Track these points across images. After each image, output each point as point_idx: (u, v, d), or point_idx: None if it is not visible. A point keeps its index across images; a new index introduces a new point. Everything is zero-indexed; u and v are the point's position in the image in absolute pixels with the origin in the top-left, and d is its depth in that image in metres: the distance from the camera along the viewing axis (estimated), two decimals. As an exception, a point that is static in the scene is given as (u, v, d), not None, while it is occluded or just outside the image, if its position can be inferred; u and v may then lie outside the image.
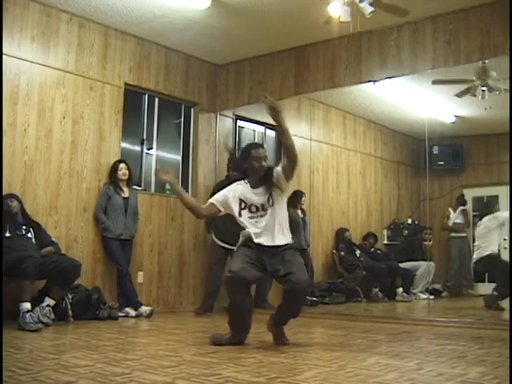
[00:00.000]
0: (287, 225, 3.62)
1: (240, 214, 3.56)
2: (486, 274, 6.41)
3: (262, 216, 3.53)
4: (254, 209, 3.56)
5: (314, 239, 6.90)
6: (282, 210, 3.58)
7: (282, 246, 3.50)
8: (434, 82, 5.69)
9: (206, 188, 6.41)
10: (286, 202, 3.64)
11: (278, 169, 3.54)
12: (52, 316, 4.29)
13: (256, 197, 3.56)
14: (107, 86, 5.62)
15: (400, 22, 5.29)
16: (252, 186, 3.58)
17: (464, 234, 6.92)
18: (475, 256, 5.94)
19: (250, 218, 3.54)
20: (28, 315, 4.04)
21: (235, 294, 3.41)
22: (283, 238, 3.54)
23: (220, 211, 3.62)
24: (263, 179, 3.56)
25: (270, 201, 3.54)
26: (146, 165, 6.10)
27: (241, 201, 3.57)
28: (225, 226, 5.63)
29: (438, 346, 3.60)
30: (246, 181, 3.62)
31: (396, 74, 5.44)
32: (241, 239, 3.60)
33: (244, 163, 3.59)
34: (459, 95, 5.96)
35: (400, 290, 6.91)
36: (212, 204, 3.61)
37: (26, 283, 4.17)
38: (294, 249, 3.56)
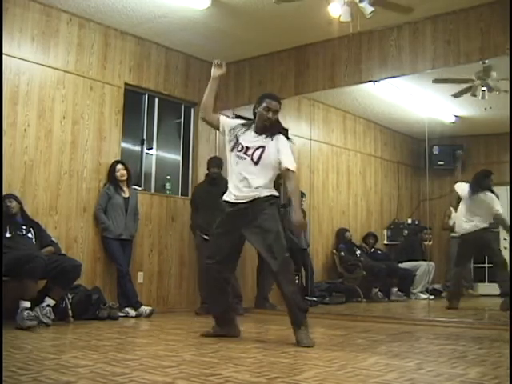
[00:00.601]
0: (268, 185, 3.67)
1: (232, 150, 3.71)
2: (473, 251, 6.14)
3: (244, 158, 3.64)
4: (243, 148, 3.66)
5: (314, 239, 6.90)
6: (266, 171, 3.65)
7: (259, 199, 3.58)
8: (435, 81, 5.68)
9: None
10: (274, 173, 3.70)
11: (282, 158, 3.62)
12: (52, 316, 4.30)
13: (252, 140, 3.68)
14: (107, 86, 5.62)
15: (400, 22, 5.30)
16: (255, 131, 3.71)
17: None
18: (468, 227, 5.82)
19: (236, 156, 3.68)
20: (26, 313, 4.05)
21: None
22: (260, 190, 3.61)
23: (218, 128, 3.86)
24: (266, 130, 3.68)
25: (260, 155, 3.63)
26: (145, 165, 6.10)
27: (236, 139, 3.70)
28: (206, 223, 5.64)
29: (438, 346, 3.60)
30: (253, 124, 3.76)
31: (396, 74, 5.44)
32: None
33: (256, 106, 3.75)
34: (456, 95, 5.96)
35: (395, 289, 6.91)
36: (218, 119, 3.85)
37: (30, 282, 4.17)
38: (271, 205, 3.62)
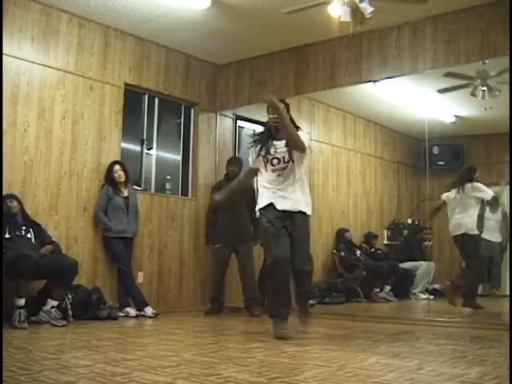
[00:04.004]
0: (307, 193, 3.88)
1: (266, 169, 3.85)
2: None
3: (284, 168, 3.79)
4: (275, 161, 3.82)
5: (314, 239, 6.87)
6: (301, 174, 3.86)
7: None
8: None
9: (206, 188, 6.41)
10: (303, 171, 3.91)
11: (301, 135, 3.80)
12: (60, 315, 4.33)
13: (277, 149, 3.84)
14: (107, 86, 5.62)
15: (400, 22, 5.30)
16: (275, 139, 3.86)
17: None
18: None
19: (273, 171, 3.82)
20: (18, 312, 4.09)
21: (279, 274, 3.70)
22: (303, 204, 3.80)
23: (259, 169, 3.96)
24: (280, 133, 3.83)
25: (291, 155, 3.78)
26: (145, 165, 6.09)
27: (264, 156, 3.87)
28: (226, 225, 5.65)
29: (438, 346, 3.60)
30: (270, 134, 3.89)
31: (396, 74, 5.44)
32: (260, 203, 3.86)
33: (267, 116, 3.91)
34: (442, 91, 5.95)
35: (388, 287, 6.91)
36: (253, 169, 3.97)
37: (22, 282, 4.20)
38: (306, 215, 3.83)
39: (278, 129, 3.83)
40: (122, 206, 5.35)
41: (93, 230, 5.35)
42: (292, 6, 4.91)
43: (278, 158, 3.82)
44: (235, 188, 4.19)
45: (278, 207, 3.75)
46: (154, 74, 6.07)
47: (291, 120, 3.86)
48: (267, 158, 3.85)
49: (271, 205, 3.76)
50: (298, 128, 3.86)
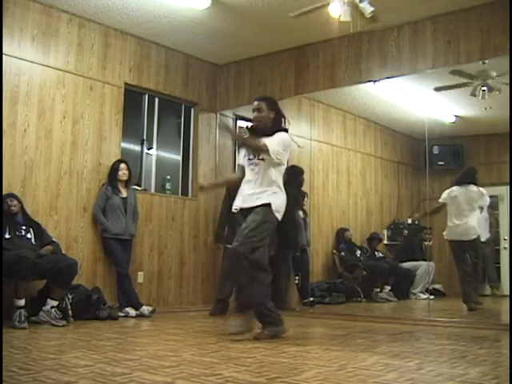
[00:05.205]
0: (273, 188, 3.84)
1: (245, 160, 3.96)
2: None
3: (256, 164, 3.87)
4: (251, 155, 3.91)
5: (314, 239, 6.89)
6: (271, 172, 3.85)
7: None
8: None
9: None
10: (276, 171, 3.87)
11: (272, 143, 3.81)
12: (60, 315, 4.33)
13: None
14: (107, 86, 5.62)
15: (400, 22, 5.30)
16: (258, 136, 3.91)
17: None
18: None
19: (249, 164, 3.92)
20: (18, 312, 4.09)
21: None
22: (266, 197, 3.80)
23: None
24: (262, 131, 3.90)
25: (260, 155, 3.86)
26: (146, 165, 6.09)
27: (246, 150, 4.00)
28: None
29: (438, 346, 3.60)
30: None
31: (396, 74, 5.44)
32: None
33: None
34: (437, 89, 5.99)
35: (388, 287, 6.90)
36: (242, 166, 4.03)
37: (21, 283, 4.20)
38: (263, 206, 3.80)
39: (258, 126, 3.95)
40: (120, 206, 5.35)
41: (93, 230, 5.35)
42: (293, 6, 4.93)
43: (253, 153, 3.93)
44: (222, 183, 4.34)
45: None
46: (154, 73, 6.07)
47: (276, 119, 3.94)
48: (248, 151, 3.99)
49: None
50: (279, 130, 3.90)
